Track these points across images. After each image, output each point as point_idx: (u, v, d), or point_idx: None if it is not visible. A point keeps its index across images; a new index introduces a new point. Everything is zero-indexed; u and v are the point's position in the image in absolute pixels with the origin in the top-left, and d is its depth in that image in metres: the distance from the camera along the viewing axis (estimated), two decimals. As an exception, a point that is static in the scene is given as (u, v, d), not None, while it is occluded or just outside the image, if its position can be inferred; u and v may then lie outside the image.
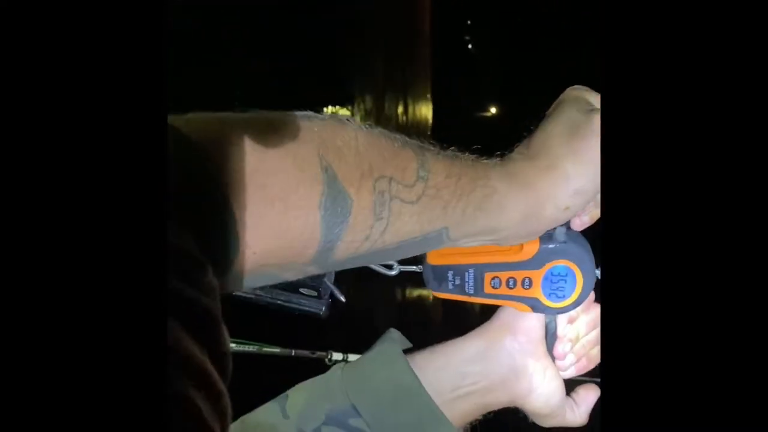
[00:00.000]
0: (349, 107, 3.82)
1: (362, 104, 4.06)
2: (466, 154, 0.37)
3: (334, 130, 0.32)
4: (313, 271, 0.34)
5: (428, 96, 6.09)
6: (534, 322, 0.46)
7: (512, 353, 0.46)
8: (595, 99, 0.40)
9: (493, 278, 0.44)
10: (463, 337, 0.48)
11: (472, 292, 0.45)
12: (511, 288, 0.44)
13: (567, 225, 0.43)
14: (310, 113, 0.32)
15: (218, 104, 0.30)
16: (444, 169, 0.35)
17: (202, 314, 0.23)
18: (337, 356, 1.12)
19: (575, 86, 0.41)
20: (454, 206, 0.35)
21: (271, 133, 0.30)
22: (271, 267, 0.31)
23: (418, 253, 0.39)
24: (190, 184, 0.26)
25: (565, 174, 0.37)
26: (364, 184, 0.32)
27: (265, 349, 1.19)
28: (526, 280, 0.44)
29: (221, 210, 0.27)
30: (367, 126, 0.34)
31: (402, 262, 0.45)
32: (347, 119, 0.33)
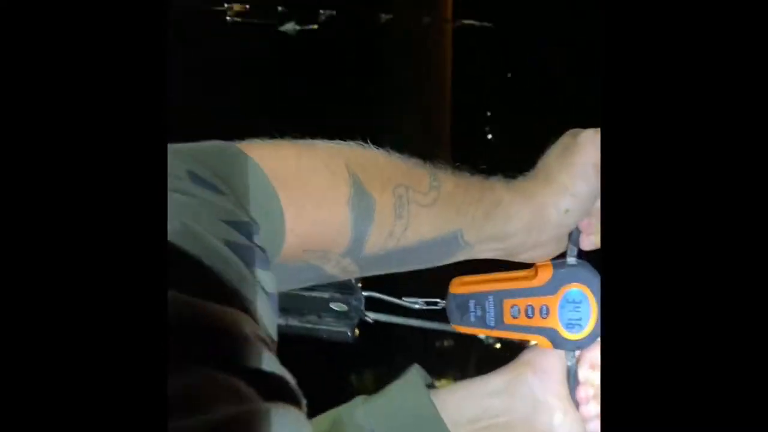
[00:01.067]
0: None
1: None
2: (475, 173, 0.42)
3: (358, 151, 0.39)
4: (350, 265, 0.38)
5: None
6: (556, 361, 0.47)
7: (534, 389, 0.47)
8: (585, 132, 0.45)
9: (512, 306, 0.46)
10: (487, 374, 0.49)
11: (493, 324, 0.46)
12: (529, 317, 0.46)
13: (578, 250, 0.45)
14: (338, 140, 0.39)
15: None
16: (454, 181, 0.41)
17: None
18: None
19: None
20: (465, 211, 0.40)
21: (310, 148, 0.37)
22: (312, 254, 0.36)
23: (438, 262, 0.42)
24: (246, 182, 0.32)
25: (561, 183, 0.43)
26: (386, 189, 0.38)
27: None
28: (544, 307, 0.46)
29: (271, 199, 0.33)
30: (386, 150, 0.40)
31: (425, 297, 0.47)
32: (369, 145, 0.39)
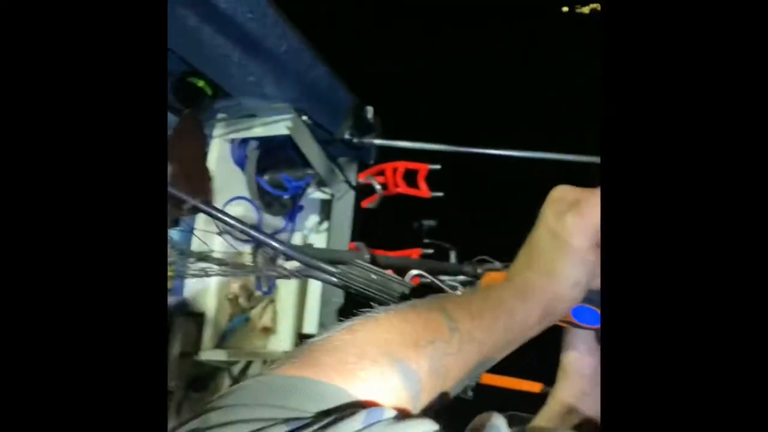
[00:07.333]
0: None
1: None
2: (477, 287, 0.51)
3: (382, 326, 0.39)
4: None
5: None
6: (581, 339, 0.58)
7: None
8: (571, 194, 0.49)
9: None
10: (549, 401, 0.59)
11: None
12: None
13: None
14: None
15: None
16: (467, 315, 0.43)
17: None
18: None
19: (559, 186, 0.50)
20: (486, 340, 0.43)
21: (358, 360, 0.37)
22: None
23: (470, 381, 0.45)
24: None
25: (562, 273, 0.48)
26: (419, 354, 0.38)
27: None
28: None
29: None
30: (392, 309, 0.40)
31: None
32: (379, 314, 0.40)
